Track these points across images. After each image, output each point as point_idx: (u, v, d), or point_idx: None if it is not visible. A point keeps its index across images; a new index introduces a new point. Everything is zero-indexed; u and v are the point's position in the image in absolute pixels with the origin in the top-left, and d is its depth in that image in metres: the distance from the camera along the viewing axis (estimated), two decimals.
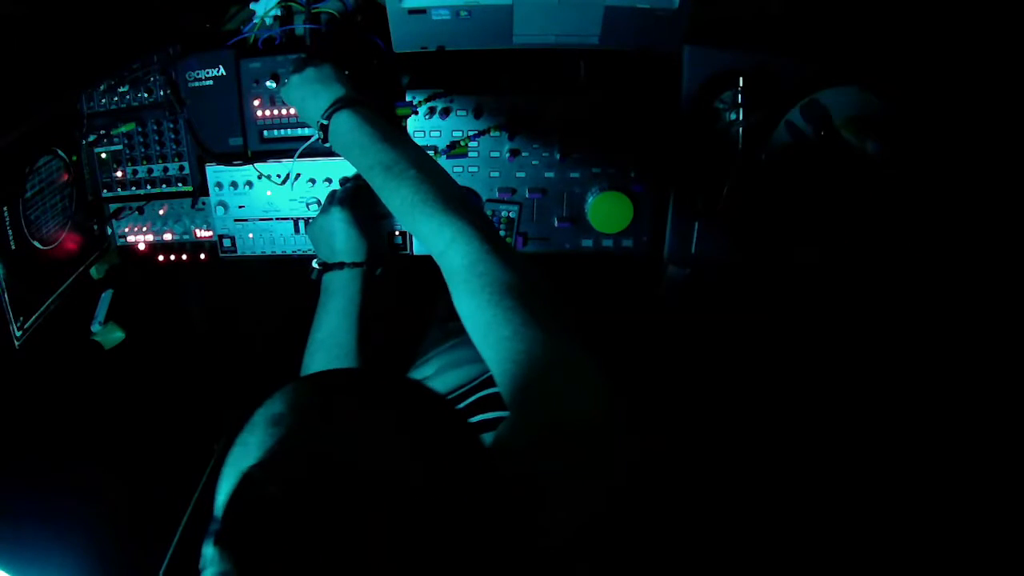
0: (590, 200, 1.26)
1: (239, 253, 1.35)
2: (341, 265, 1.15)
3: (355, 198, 1.21)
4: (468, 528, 0.51)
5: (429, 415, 0.58)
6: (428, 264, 1.36)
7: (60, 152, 1.23)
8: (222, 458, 0.56)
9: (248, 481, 0.50)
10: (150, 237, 1.40)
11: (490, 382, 0.90)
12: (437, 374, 1.05)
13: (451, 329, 1.23)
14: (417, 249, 1.34)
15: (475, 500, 0.54)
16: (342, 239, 1.16)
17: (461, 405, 0.91)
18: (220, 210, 1.33)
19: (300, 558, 0.46)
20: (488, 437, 0.77)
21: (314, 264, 1.20)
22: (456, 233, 0.84)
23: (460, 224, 0.85)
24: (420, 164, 0.94)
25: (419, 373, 1.10)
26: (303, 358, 1.16)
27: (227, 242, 1.35)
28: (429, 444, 0.54)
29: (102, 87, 1.27)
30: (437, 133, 1.26)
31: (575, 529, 0.64)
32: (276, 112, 1.26)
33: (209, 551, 0.49)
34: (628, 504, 0.67)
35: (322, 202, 1.30)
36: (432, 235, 0.87)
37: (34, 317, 1.13)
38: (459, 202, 0.89)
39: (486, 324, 0.78)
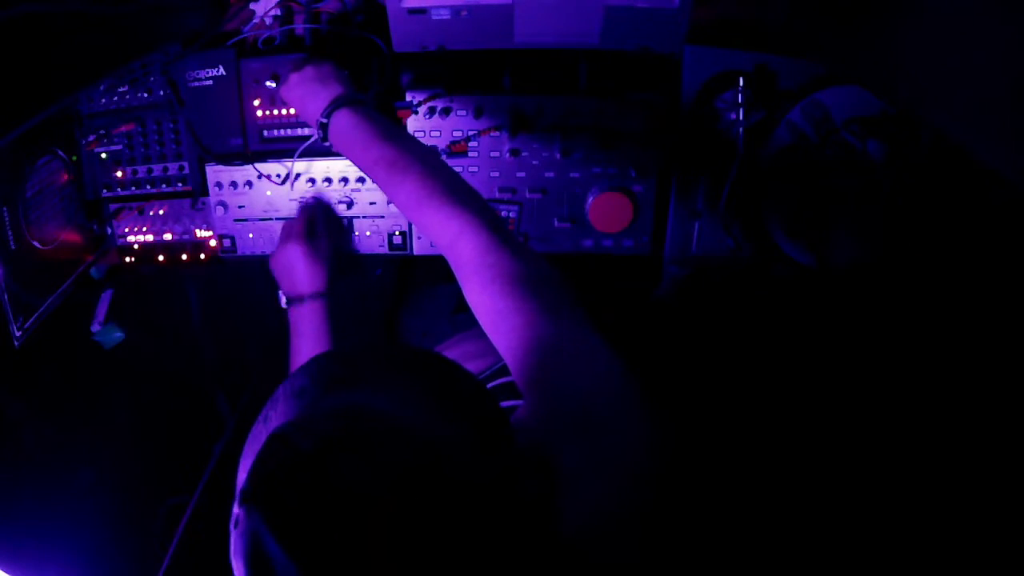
0: (590, 200, 1.26)
1: (239, 253, 1.35)
2: (302, 299, 1.17)
3: (310, 229, 1.22)
4: (490, 489, 0.52)
5: (453, 379, 0.60)
6: (431, 261, 1.36)
7: (60, 152, 1.23)
8: (222, 458, 0.57)
9: (277, 441, 0.50)
10: (150, 237, 1.40)
11: (501, 372, 0.90)
12: None
13: (458, 322, 1.24)
14: (417, 249, 1.34)
15: (498, 462, 0.55)
16: (301, 270, 1.17)
17: None
18: (220, 210, 1.33)
19: (332, 511, 0.46)
20: None
21: (281, 303, 1.21)
22: (464, 225, 0.85)
23: (467, 216, 0.85)
24: (423, 159, 0.94)
25: None
26: None
27: (227, 242, 1.35)
28: (456, 404, 0.56)
29: (102, 87, 1.27)
30: (437, 133, 1.26)
31: (595, 516, 0.64)
32: (276, 112, 1.26)
33: (237, 511, 0.49)
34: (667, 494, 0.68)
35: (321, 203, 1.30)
36: (439, 228, 0.88)
37: (34, 317, 1.13)
38: (465, 195, 0.89)
39: (498, 314, 0.79)
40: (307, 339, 1.16)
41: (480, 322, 0.82)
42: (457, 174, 0.94)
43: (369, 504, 0.47)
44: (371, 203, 1.31)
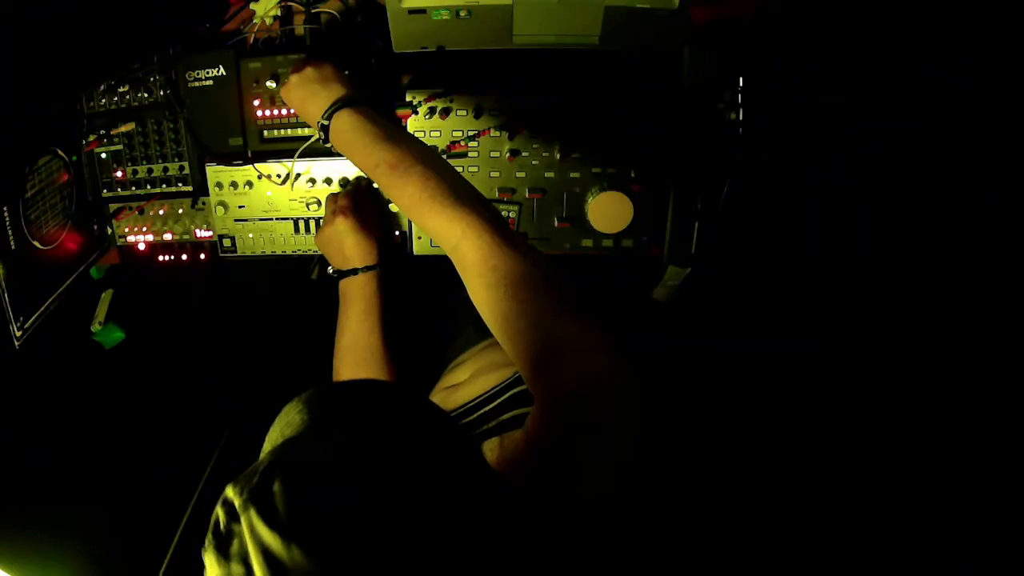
0: (590, 200, 1.26)
1: (239, 253, 1.35)
2: (355, 271, 1.16)
3: (356, 203, 1.21)
4: (461, 527, 0.52)
5: (429, 426, 0.59)
6: (442, 259, 1.36)
7: (60, 152, 1.23)
8: (222, 458, 0.58)
9: (224, 498, 0.51)
10: (150, 237, 1.40)
11: (520, 380, 0.90)
12: (472, 379, 1.04)
13: (485, 328, 1.23)
14: (417, 249, 1.33)
15: (466, 505, 0.54)
16: (351, 245, 1.17)
17: (493, 404, 0.91)
18: (220, 210, 1.33)
19: (260, 559, 0.47)
20: (501, 436, 0.78)
21: (329, 271, 1.21)
22: (467, 228, 0.84)
23: (470, 218, 0.85)
24: (425, 160, 0.93)
25: (454, 378, 1.10)
26: (333, 366, 1.17)
27: (227, 242, 1.35)
28: (425, 451, 0.55)
29: (102, 87, 1.27)
30: (437, 133, 1.26)
31: (598, 513, 0.65)
32: (276, 112, 1.26)
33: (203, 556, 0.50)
34: (641, 494, 0.69)
35: (322, 202, 1.30)
36: (442, 231, 0.87)
37: (34, 317, 1.13)
38: (467, 196, 0.89)
39: (504, 317, 0.79)
40: (356, 312, 1.16)
41: (487, 325, 0.82)
42: (460, 175, 0.94)
43: (336, 550, 0.47)
44: None
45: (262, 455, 0.57)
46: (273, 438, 0.58)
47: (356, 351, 1.16)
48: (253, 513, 0.48)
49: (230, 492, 0.50)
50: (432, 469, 0.54)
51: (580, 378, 0.72)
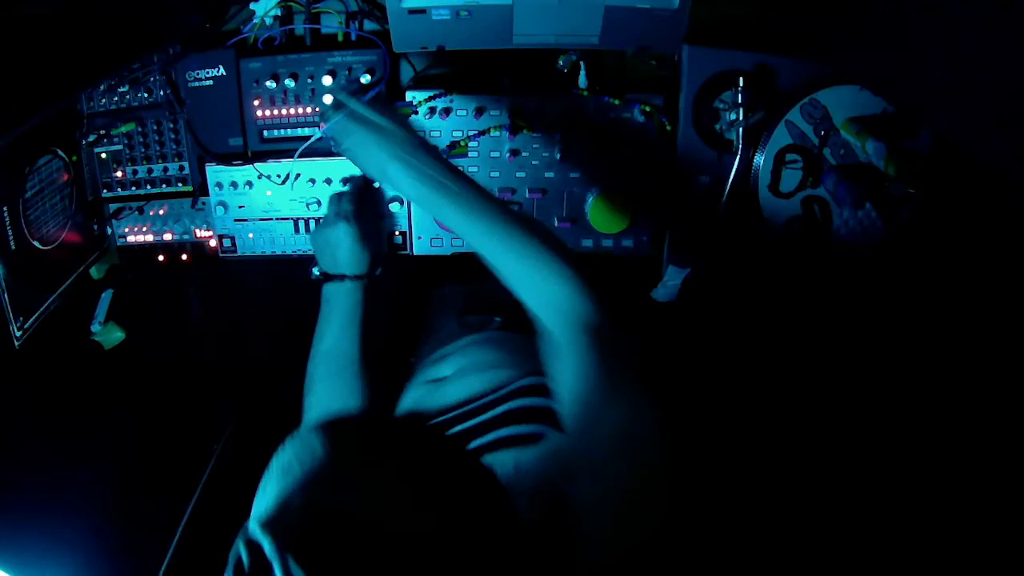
0: (590, 200, 1.26)
1: (239, 253, 1.35)
2: (343, 277, 1.15)
3: (360, 210, 1.21)
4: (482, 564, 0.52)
5: (430, 467, 0.59)
6: (437, 258, 1.36)
7: (60, 152, 1.23)
8: (222, 458, 0.58)
9: (246, 541, 0.51)
10: (150, 237, 1.40)
11: (521, 392, 0.88)
12: (457, 376, 1.02)
13: (468, 323, 1.22)
14: (417, 249, 1.33)
15: (483, 543, 0.54)
16: (346, 252, 1.15)
17: (489, 414, 0.88)
18: (220, 210, 1.33)
19: None
20: (513, 452, 0.77)
21: (315, 272, 1.20)
22: (574, 287, 0.87)
23: (575, 277, 0.87)
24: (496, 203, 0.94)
25: (436, 372, 1.08)
26: (307, 369, 1.15)
27: (227, 242, 1.35)
28: (432, 496, 0.55)
29: (102, 87, 1.28)
30: (437, 133, 1.26)
31: (609, 548, 0.65)
32: (276, 112, 1.26)
33: None
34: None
35: (322, 202, 1.30)
36: (543, 287, 0.88)
37: (34, 317, 1.13)
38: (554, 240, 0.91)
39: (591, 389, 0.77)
40: (338, 319, 1.14)
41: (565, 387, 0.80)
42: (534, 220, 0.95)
43: None
44: None
45: (269, 485, 0.57)
46: (287, 467, 0.57)
47: (333, 358, 1.12)
48: (291, 560, 0.47)
49: (257, 533, 0.49)
50: (458, 512, 0.55)
51: (617, 435, 0.71)
